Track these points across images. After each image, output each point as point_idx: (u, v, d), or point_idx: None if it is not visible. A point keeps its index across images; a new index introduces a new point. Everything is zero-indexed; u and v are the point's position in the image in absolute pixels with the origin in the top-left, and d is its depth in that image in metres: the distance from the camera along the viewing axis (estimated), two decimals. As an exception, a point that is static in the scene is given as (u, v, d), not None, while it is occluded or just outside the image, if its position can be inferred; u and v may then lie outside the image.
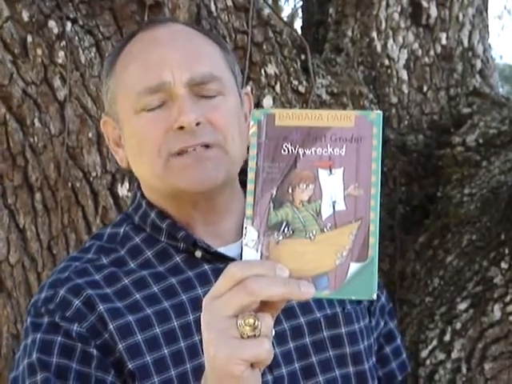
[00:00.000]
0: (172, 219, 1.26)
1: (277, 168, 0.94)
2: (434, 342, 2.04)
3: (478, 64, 2.76)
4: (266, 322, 0.91)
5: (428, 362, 2.03)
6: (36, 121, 2.00)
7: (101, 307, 1.18)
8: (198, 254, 1.24)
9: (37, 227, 2.04)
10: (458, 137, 2.46)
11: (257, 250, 0.93)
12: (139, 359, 1.16)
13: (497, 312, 1.96)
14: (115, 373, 1.16)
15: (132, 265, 1.25)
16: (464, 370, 1.98)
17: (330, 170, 0.93)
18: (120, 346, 1.16)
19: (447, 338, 2.02)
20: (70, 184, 2.03)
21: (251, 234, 0.94)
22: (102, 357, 1.16)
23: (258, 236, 0.94)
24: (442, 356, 2.02)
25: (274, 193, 0.94)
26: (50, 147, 2.02)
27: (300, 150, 0.94)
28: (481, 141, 2.41)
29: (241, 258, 0.94)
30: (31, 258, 2.05)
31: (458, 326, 2.01)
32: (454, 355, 2.00)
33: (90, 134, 2.04)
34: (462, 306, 2.03)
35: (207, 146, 1.20)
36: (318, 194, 0.93)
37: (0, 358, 2.06)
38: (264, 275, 0.90)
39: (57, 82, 2.02)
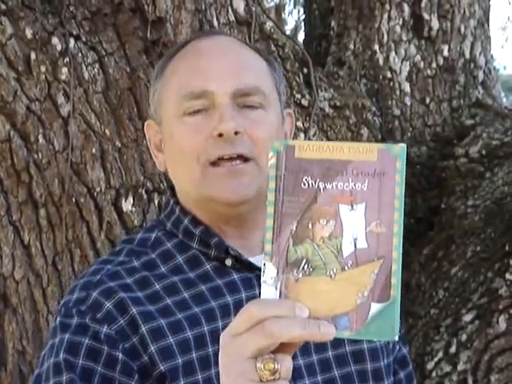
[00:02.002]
0: (205, 226, 1.28)
1: (296, 202, 0.91)
2: (440, 354, 2.04)
3: (481, 75, 2.77)
4: (286, 366, 0.90)
5: (434, 374, 2.03)
6: (40, 137, 2.01)
7: (133, 310, 1.19)
8: (228, 262, 1.26)
9: (41, 243, 2.04)
10: (461, 148, 2.46)
11: (276, 288, 0.91)
12: (171, 361, 1.17)
13: (502, 323, 1.95)
14: (139, 378, 1.17)
15: (163, 269, 1.26)
16: (470, 381, 1.97)
17: (352, 206, 0.90)
18: (152, 348, 1.17)
19: (453, 349, 2.02)
20: (74, 200, 2.04)
21: (270, 270, 0.91)
22: (127, 361, 1.17)
23: (277, 273, 0.91)
24: (447, 368, 2.01)
25: (294, 228, 0.91)
26: (54, 163, 2.02)
27: (321, 183, 0.91)
28: (484, 152, 2.41)
29: (259, 296, 0.92)
30: (36, 274, 2.05)
31: (464, 337, 2.01)
32: (460, 367, 1.99)
33: (94, 150, 2.05)
34: (468, 317, 2.03)
35: (243, 159, 1.23)
36: (338, 231, 0.90)
37: (6, 374, 2.06)
38: (283, 316, 0.88)
39: (60, 99, 2.03)
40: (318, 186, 0.91)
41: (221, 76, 1.24)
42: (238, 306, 1.01)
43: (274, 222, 0.91)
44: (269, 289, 0.91)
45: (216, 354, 1.17)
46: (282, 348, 0.89)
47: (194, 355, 1.18)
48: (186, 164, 1.25)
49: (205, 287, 1.24)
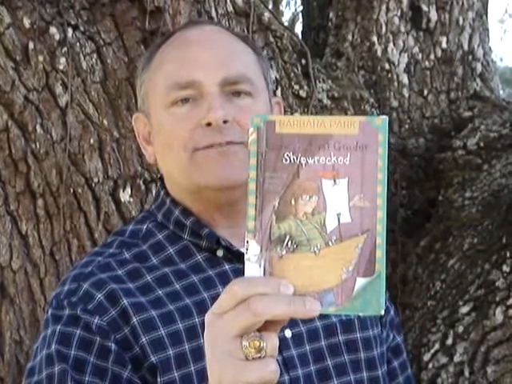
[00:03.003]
0: (196, 217, 1.27)
1: (278, 178, 0.90)
2: (437, 346, 2.04)
3: (479, 67, 2.77)
4: (272, 343, 0.89)
5: (430, 365, 2.03)
6: (38, 127, 2.01)
7: (125, 301, 1.19)
8: (220, 253, 1.25)
9: (39, 233, 2.04)
10: (458, 140, 2.46)
11: (260, 265, 0.89)
12: (162, 353, 1.17)
13: (499, 315, 1.96)
14: (132, 368, 1.16)
15: (154, 260, 1.26)
16: (467, 373, 1.98)
17: (334, 180, 0.89)
18: (143, 339, 1.17)
19: (449, 341, 2.02)
20: (71, 190, 2.04)
21: (253, 248, 0.89)
22: (119, 351, 1.17)
23: (261, 250, 0.89)
24: (444, 359, 2.02)
25: (277, 205, 0.89)
26: (52, 153, 2.02)
27: (302, 159, 0.89)
28: (482, 144, 2.41)
29: (243, 274, 0.90)
30: (33, 264, 2.05)
31: (461, 329, 2.01)
32: (457, 359, 2.00)
33: (92, 140, 2.04)
34: (464, 309, 2.03)
35: (232, 145, 1.22)
36: (321, 206, 0.89)
37: (3, 364, 2.06)
38: (268, 293, 0.87)
39: (58, 89, 2.03)
40: (300, 161, 0.89)
41: (208, 66, 1.23)
42: None
43: (256, 198, 0.90)
44: (252, 266, 0.89)
45: None
46: (267, 325, 0.88)
47: (186, 347, 1.18)
48: (174, 153, 1.24)
49: (196, 278, 1.24)
